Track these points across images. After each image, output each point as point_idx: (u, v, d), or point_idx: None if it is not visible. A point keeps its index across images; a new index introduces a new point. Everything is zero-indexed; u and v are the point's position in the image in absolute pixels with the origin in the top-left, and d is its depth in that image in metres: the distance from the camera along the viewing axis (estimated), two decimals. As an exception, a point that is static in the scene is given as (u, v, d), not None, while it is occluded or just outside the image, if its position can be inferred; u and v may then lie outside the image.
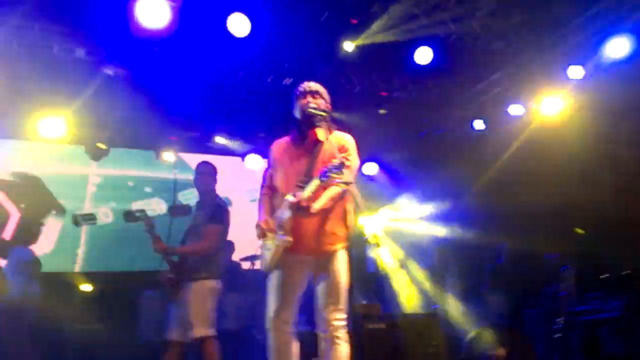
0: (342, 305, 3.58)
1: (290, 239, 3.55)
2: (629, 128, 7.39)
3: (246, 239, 9.10)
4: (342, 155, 3.51)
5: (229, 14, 6.30)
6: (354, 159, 3.72)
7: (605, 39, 7.08)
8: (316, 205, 3.49)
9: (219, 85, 7.87)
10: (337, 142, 3.72)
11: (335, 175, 3.18)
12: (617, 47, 7.04)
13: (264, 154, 8.87)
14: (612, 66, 7.18)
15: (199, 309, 4.82)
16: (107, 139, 8.20)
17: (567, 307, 5.81)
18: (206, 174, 5.20)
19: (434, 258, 7.51)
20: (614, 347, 5.58)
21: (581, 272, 6.14)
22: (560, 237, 7.12)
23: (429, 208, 9.17)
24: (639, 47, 6.90)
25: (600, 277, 6.20)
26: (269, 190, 3.94)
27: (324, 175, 3.23)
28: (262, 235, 3.77)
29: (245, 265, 8.13)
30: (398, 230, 9.51)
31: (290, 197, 3.50)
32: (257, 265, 7.71)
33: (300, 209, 3.45)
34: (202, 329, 4.78)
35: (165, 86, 7.49)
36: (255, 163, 9.21)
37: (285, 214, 3.55)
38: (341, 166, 3.19)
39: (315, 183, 3.38)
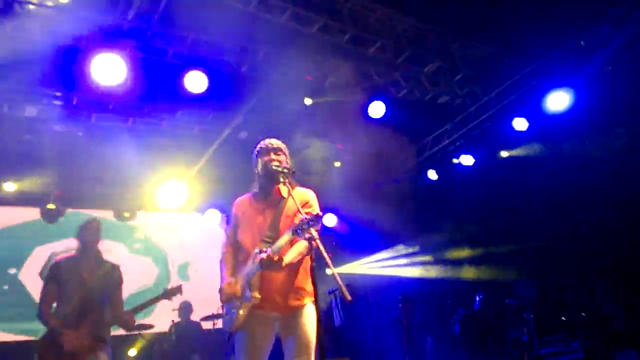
0: None
1: (257, 295, 3.49)
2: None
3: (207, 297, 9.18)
4: (306, 210, 3.50)
5: (185, 72, 6.32)
6: (316, 212, 3.69)
7: (547, 92, 7.43)
8: (286, 259, 3.43)
9: (173, 140, 7.83)
10: (301, 197, 3.69)
11: (309, 229, 3.16)
12: (558, 100, 7.38)
13: (222, 209, 8.84)
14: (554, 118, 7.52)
15: None
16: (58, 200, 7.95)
17: (531, 350, 5.89)
18: (96, 229, 4.86)
19: (401, 309, 7.52)
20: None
21: (540, 316, 6.27)
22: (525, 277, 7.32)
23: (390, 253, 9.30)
24: (579, 100, 7.25)
25: (562, 318, 6.32)
26: (231, 248, 3.86)
27: (298, 228, 3.18)
28: (226, 299, 3.68)
29: (206, 325, 7.88)
30: (364, 276, 9.59)
31: (260, 253, 3.43)
32: (219, 324, 7.50)
33: (270, 264, 3.38)
34: None
35: (119, 145, 7.38)
36: (214, 218, 9.14)
37: (253, 269, 3.49)
38: (317, 219, 3.16)
39: (286, 237, 3.34)
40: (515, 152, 8.65)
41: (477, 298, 7.61)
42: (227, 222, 4.02)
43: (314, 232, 3.12)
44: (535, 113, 7.68)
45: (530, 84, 7.60)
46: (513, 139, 8.38)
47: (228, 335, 3.74)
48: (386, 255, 9.78)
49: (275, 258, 3.36)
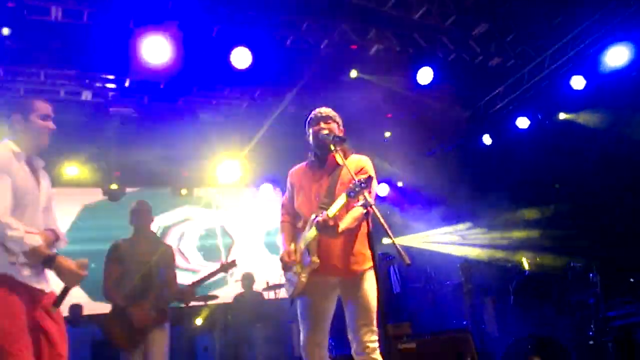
0: (374, 327, 3.49)
1: (317, 260, 3.50)
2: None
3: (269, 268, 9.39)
4: (362, 176, 3.40)
5: (231, 48, 6.33)
6: (373, 179, 3.65)
7: (604, 48, 7.11)
8: (342, 225, 3.43)
9: (226, 118, 7.90)
10: (356, 164, 3.69)
11: (363, 191, 3.14)
12: (617, 56, 7.05)
13: (277, 184, 8.93)
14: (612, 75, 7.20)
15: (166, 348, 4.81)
16: (119, 180, 8.19)
17: (598, 313, 5.73)
18: (146, 211, 5.08)
19: (459, 275, 7.43)
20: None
21: (607, 278, 6.07)
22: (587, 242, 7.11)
23: (447, 228, 9.18)
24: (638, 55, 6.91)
25: (630, 280, 6.10)
26: (289, 217, 3.91)
27: (352, 191, 3.15)
28: (286, 268, 3.72)
29: (268, 294, 8.11)
30: (420, 250, 9.52)
31: (316, 217, 3.44)
32: (280, 294, 7.65)
33: (326, 229, 3.37)
34: None
35: (174, 125, 7.52)
36: (269, 192, 9.25)
37: (310, 234, 3.51)
38: (369, 181, 3.14)
39: (341, 200, 3.33)
40: (574, 116, 8.31)
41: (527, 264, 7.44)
42: (283, 192, 4.03)
43: (368, 198, 3.10)
44: (593, 71, 7.38)
45: (586, 40, 7.25)
46: (571, 99, 8.06)
47: (290, 300, 3.79)
48: (442, 231, 9.66)
49: (331, 223, 3.34)
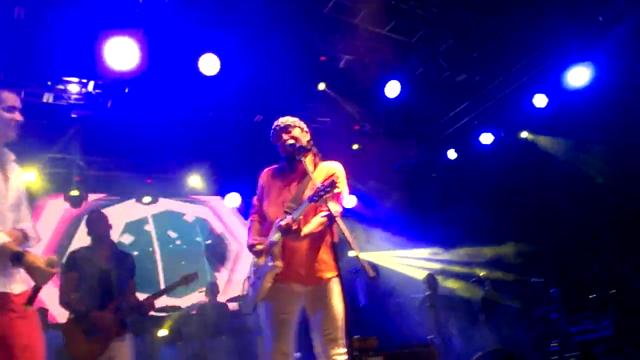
0: (341, 340, 3.44)
1: (280, 264, 3.46)
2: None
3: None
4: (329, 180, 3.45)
5: (199, 55, 6.25)
6: (343, 186, 3.65)
7: (566, 68, 7.29)
8: (306, 229, 3.42)
9: (192, 125, 7.77)
10: (327, 170, 3.68)
11: (326, 196, 3.13)
12: (578, 76, 7.24)
13: (243, 193, 8.84)
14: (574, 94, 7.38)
15: None
16: (80, 186, 7.97)
17: (560, 329, 5.82)
18: (102, 219, 4.96)
19: (424, 288, 7.47)
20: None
21: (567, 294, 6.19)
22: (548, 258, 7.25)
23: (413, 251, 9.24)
24: (599, 75, 7.10)
25: (589, 297, 6.23)
26: (257, 216, 3.87)
27: (314, 195, 3.17)
28: (256, 253, 3.64)
29: (233, 306, 8.00)
30: (386, 259, 9.55)
31: (280, 221, 3.41)
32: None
33: (289, 232, 3.36)
34: None
35: (137, 128, 7.36)
36: (235, 201, 9.15)
37: (275, 238, 3.46)
38: (332, 185, 3.15)
39: (305, 206, 3.33)
40: (534, 137, 8.50)
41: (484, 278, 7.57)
42: (250, 199, 4.00)
43: (332, 207, 3.08)
44: (556, 90, 7.56)
45: (548, 59, 7.44)
46: (533, 117, 8.24)
47: (253, 306, 3.72)
48: (408, 253, 9.73)
49: (294, 227, 3.33)
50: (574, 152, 7.78)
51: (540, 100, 7.84)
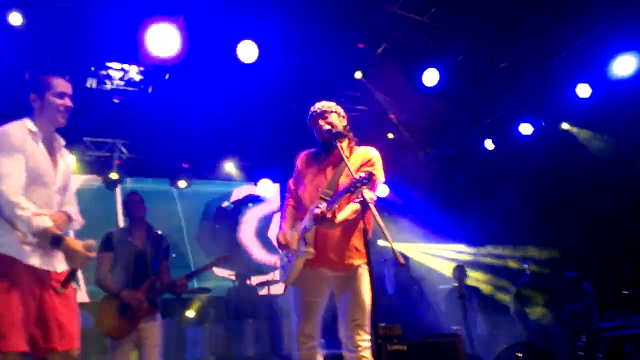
0: (367, 327, 3.49)
1: (312, 250, 3.52)
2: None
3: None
4: (366, 168, 3.49)
5: (238, 42, 6.33)
6: (379, 173, 3.66)
7: (612, 57, 7.06)
8: (340, 217, 3.45)
9: (229, 112, 7.89)
10: (363, 155, 3.71)
11: (363, 187, 3.15)
12: (624, 65, 7.00)
13: (276, 179, 8.93)
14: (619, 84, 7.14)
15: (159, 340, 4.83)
16: (119, 169, 8.22)
17: (590, 324, 5.72)
18: (138, 202, 5.09)
19: (453, 279, 7.43)
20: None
21: (602, 288, 6.07)
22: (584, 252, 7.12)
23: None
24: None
25: (623, 292, 6.09)
26: (292, 201, 3.93)
27: (352, 186, 3.17)
28: (280, 247, 3.75)
29: (262, 291, 8.09)
30: (415, 251, 9.53)
31: (315, 208, 3.45)
32: (272, 290, 7.67)
33: (323, 220, 3.40)
34: None
35: (176, 114, 7.53)
36: (268, 188, 9.24)
37: (308, 225, 3.52)
38: (370, 177, 3.15)
39: (340, 196, 3.35)
40: (576, 130, 8.27)
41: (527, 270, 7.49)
42: (283, 186, 4.07)
43: (367, 195, 3.10)
44: (600, 79, 7.32)
45: (594, 48, 7.20)
46: (575, 108, 8.00)
47: (284, 287, 3.81)
48: (436, 246, 9.70)
49: (329, 215, 3.37)
50: (617, 148, 7.54)
51: (583, 91, 7.60)
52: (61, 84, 3.17)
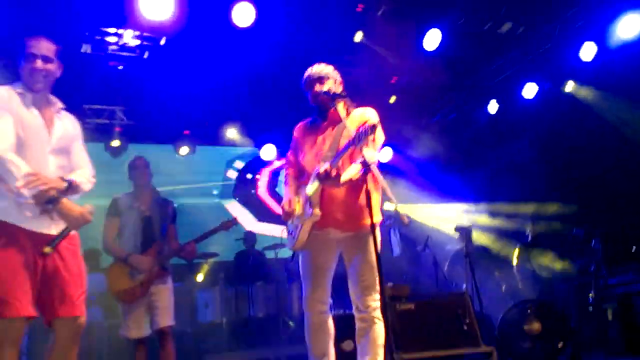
0: (377, 287, 3.48)
1: (318, 212, 3.48)
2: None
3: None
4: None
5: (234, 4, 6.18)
6: (378, 133, 3.55)
7: (617, 17, 6.92)
8: (345, 175, 3.40)
9: (229, 77, 7.76)
10: (360, 117, 3.63)
11: (367, 137, 3.07)
12: (629, 26, 6.85)
13: (279, 144, 8.87)
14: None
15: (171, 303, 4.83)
16: (121, 136, 8.12)
17: (598, 280, 5.73)
18: (143, 166, 5.03)
19: (460, 239, 7.42)
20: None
21: (610, 245, 6.06)
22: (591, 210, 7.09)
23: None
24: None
25: (631, 249, 6.08)
26: (293, 170, 3.89)
27: (355, 139, 3.10)
28: (287, 217, 3.72)
29: (269, 254, 8.12)
30: (420, 212, 9.52)
31: (318, 168, 3.42)
32: (280, 254, 7.68)
33: (328, 179, 3.35)
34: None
35: (174, 79, 7.40)
36: (271, 153, 9.26)
37: (313, 186, 3.48)
38: (373, 128, 3.08)
39: (344, 151, 3.30)
40: (579, 90, 8.16)
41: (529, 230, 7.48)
42: (286, 151, 4.02)
43: (367, 154, 3.03)
44: (604, 41, 7.20)
45: (597, 8, 7.07)
46: (580, 69, 7.91)
47: (292, 254, 3.79)
48: (442, 207, 9.67)
49: (333, 173, 3.32)
50: (621, 109, 7.47)
51: (587, 52, 7.48)
52: (32, 45, 3.02)
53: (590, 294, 5.72)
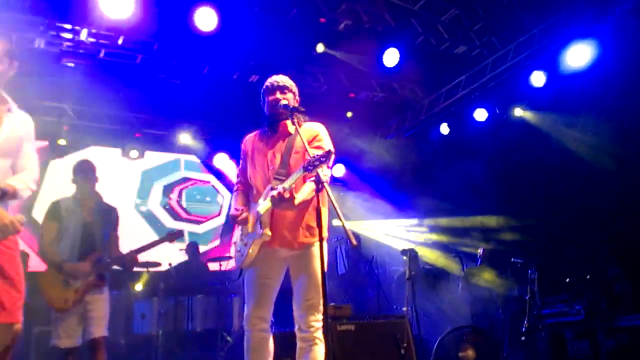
0: (321, 307, 3.44)
1: (269, 232, 3.48)
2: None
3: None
4: (316, 144, 3.50)
5: (196, 8, 6.13)
6: (328, 145, 3.60)
7: (566, 46, 7.15)
8: (298, 197, 3.40)
9: (184, 82, 7.67)
10: (309, 131, 3.64)
11: (321, 165, 3.07)
12: (579, 54, 7.10)
13: (233, 153, 8.79)
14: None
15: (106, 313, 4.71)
16: (68, 136, 7.89)
17: (532, 309, 5.90)
18: (89, 170, 4.88)
19: (404, 261, 7.54)
20: (578, 349, 5.71)
21: (546, 275, 6.26)
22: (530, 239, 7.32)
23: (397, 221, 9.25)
24: (601, 54, 6.95)
25: (566, 280, 6.31)
26: (242, 185, 3.87)
27: (310, 165, 3.08)
28: (235, 222, 3.67)
29: (213, 266, 7.96)
30: (366, 231, 9.60)
31: (272, 190, 3.40)
32: (224, 266, 7.58)
33: (281, 202, 3.34)
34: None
35: (129, 81, 7.26)
36: (224, 161, 9.16)
37: (265, 206, 3.46)
38: (327, 156, 3.07)
39: (297, 175, 3.28)
40: (529, 115, 8.41)
41: (479, 254, 7.73)
42: (238, 160, 3.98)
43: (321, 174, 3.05)
44: (554, 68, 7.43)
45: (550, 36, 7.30)
46: (530, 95, 8.14)
47: (239, 271, 3.77)
48: (392, 223, 9.75)
49: (287, 195, 3.32)
50: (564, 129, 7.71)
51: (538, 79, 7.72)
52: None
53: (525, 323, 5.88)
